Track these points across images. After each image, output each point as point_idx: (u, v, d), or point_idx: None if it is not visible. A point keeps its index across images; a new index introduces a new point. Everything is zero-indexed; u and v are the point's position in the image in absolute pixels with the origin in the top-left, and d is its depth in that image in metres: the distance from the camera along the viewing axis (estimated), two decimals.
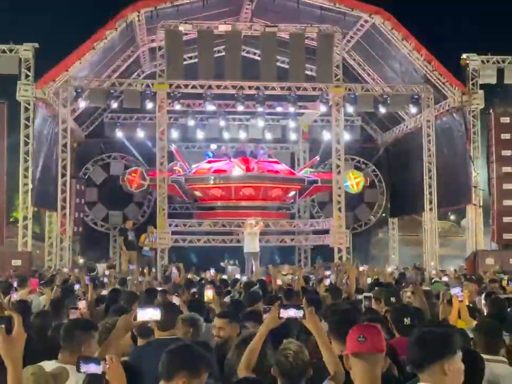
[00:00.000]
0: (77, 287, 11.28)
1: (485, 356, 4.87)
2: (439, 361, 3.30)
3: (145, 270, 16.41)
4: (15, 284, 11.75)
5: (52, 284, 12.40)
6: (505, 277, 14.51)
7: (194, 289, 10.91)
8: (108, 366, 3.26)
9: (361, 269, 17.40)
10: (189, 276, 16.59)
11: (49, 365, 4.63)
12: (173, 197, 25.31)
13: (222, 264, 21.21)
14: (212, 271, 18.02)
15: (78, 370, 3.32)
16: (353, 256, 23.13)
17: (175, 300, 7.94)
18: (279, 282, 11.87)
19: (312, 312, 4.57)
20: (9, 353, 2.71)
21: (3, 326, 2.72)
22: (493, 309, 7.52)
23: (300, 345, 4.30)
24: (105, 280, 14.13)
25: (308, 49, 23.01)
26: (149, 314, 4.29)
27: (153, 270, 20.25)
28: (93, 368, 3.30)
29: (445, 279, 15.12)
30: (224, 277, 16.53)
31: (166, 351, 3.84)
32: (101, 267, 20.95)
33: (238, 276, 16.83)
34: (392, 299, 7.99)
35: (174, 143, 25.77)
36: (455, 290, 7.56)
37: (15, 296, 9.88)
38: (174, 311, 5.92)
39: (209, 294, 7.84)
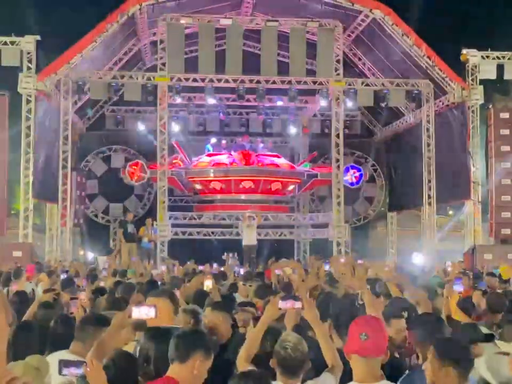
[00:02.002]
0: (76, 279, 11.37)
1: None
2: None
3: (145, 263, 16.50)
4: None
5: (52, 275, 12.49)
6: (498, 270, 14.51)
7: None
8: (88, 369, 3.29)
9: (359, 261, 17.55)
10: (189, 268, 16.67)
11: (59, 355, 4.73)
12: (173, 190, 25.42)
13: (223, 257, 21.30)
14: (215, 265, 18.09)
15: (60, 373, 3.31)
16: (351, 250, 23.23)
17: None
18: (278, 272, 11.93)
19: (311, 303, 4.67)
20: None
21: None
22: (492, 304, 7.51)
23: (299, 338, 4.32)
24: (104, 273, 14.22)
25: (309, 44, 23.07)
26: (144, 312, 4.27)
27: (152, 262, 20.41)
28: (74, 371, 3.31)
29: (449, 269, 15.23)
30: (222, 269, 16.61)
31: (178, 335, 3.99)
32: (101, 259, 21.07)
33: (236, 268, 16.94)
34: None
35: (174, 136, 25.85)
36: (457, 287, 7.60)
37: (14, 287, 9.95)
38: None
39: (208, 284, 7.91)
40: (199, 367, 3.86)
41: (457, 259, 22.77)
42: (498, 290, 10.04)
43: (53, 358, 4.58)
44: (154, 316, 4.26)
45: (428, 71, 23.19)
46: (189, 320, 5.87)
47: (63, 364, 3.33)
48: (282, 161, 25.63)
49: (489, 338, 5.09)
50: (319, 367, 4.47)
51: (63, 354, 4.87)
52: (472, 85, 22.80)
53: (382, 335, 3.81)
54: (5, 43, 21.30)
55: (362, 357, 3.69)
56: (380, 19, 22.72)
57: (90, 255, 24.14)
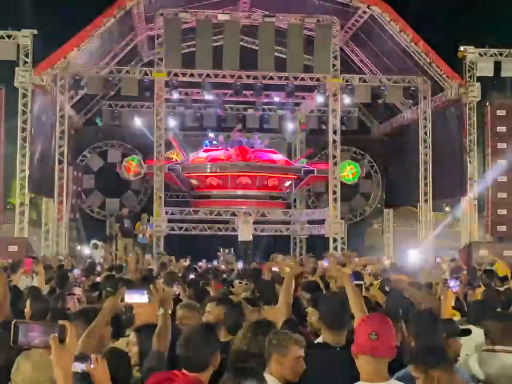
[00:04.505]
0: (71, 274, 11.33)
1: (497, 347, 4.86)
2: None
3: (139, 257, 16.45)
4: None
5: (49, 270, 12.46)
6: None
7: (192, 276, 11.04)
8: (92, 366, 3.25)
9: (356, 259, 17.64)
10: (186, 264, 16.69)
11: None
12: (170, 185, 25.40)
13: (218, 253, 21.32)
14: (215, 262, 18.09)
15: None
16: (347, 246, 23.24)
17: (175, 288, 8.01)
18: (275, 269, 11.91)
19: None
20: (60, 362, 2.65)
21: (56, 334, 2.64)
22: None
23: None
24: (99, 268, 14.22)
25: (306, 40, 23.05)
26: (136, 297, 4.32)
27: (148, 256, 20.37)
28: (78, 366, 3.23)
29: (443, 265, 15.24)
30: (223, 266, 16.65)
31: (191, 343, 3.98)
32: (97, 254, 21.06)
33: (239, 264, 16.96)
34: (386, 288, 8.06)
35: (171, 131, 25.81)
36: (451, 283, 7.60)
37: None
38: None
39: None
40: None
41: (453, 256, 22.85)
42: (499, 288, 10.03)
43: None
44: (147, 300, 4.33)
45: (425, 68, 23.19)
46: (189, 315, 5.84)
47: None
48: (279, 157, 25.61)
49: (465, 333, 5.08)
50: None
51: None
52: (469, 82, 22.81)
53: (391, 334, 3.78)
54: (2, 37, 21.26)
55: (372, 356, 3.66)
56: (378, 15, 22.71)
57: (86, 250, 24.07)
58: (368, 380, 3.67)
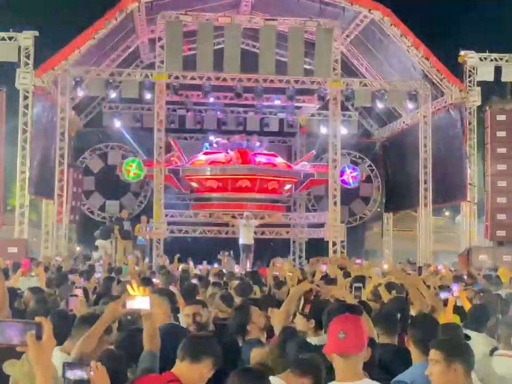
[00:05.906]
0: (71, 276, 11.34)
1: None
2: None
3: (138, 260, 16.47)
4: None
5: (47, 271, 12.47)
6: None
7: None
8: (92, 372, 3.26)
9: (357, 261, 17.69)
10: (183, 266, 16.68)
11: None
12: (170, 188, 25.40)
13: (219, 256, 21.31)
14: (216, 265, 18.11)
15: (64, 375, 3.25)
16: (347, 250, 23.26)
17: (171, 290, 8.01)
18: (275, 273, 11.93)
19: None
20: (38, 359, 2.66)
21: (33, 332, 2.64)
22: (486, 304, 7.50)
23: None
24: (99, 269, 14.20)
25: (307, 43, 23.07)
26: (138, 303, 4.28)
27: (147, 259, 20.37)
28: (79, 374, 3.25)
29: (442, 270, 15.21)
30: (224, 270, 16.65)
31: (195, 335, 4.30)
32: (96, 255, 21.06)
33: (236, 268, 16.97)
34: (393, 292, 8.09)
35: (171, 133, 25.83)
36: (444, 294, 7.61)
37: (10, 283, 9.91)
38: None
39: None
40: (206, 373, 3.91)
41: (452, 260, 22.88)
42: (500, 292, 10.01)
43: None
44: (148, 307, 4.27)
45: (426, 72, 23.23)
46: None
47: (68, 366, 3.25)
48: (279, 160, 25.63)
49: (466, 338, 5.10)
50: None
51: (55, 352, 4.84)
52: (469, 86, 22.85)
53: (360, 332, 3.79)
54: (3, 38, 21.30)
55: (342, 355, 3.68)
56: (379, 20, 22.72)
57: (85, 252, 24.08)
58: (342, 379, 3.69)
